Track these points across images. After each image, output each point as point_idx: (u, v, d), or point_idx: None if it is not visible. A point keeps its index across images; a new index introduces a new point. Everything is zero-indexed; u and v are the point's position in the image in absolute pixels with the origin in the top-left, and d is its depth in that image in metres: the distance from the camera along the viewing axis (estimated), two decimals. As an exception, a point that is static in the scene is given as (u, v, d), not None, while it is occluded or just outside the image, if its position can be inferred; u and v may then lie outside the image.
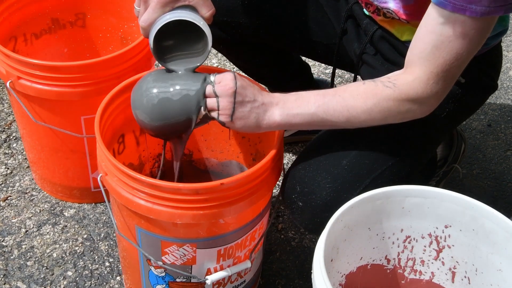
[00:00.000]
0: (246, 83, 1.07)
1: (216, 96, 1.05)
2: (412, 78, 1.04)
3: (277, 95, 1.09)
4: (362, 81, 1.09)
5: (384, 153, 1.15)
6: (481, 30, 0.97)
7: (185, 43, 1.13)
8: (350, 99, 1.06)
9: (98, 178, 1.14)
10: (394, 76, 1.07)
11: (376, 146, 1.14)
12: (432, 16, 0.99)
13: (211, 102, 1.06)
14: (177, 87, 1.08)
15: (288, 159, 1.78)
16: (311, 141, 1.20)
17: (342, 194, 1.09)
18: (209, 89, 1.06)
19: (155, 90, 1.08)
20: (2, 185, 1.66)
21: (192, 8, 1.11)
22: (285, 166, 1.33)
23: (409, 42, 1.24)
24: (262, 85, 1.41)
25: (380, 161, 1.13)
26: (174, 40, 1.13)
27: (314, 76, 1.79)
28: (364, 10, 1.29)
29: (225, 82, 1.06)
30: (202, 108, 1.07)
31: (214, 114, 1.06)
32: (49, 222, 1.57)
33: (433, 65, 1.02)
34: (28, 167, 1.71)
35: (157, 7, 1.09)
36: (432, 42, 1.00)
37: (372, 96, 1.06)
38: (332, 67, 1.49)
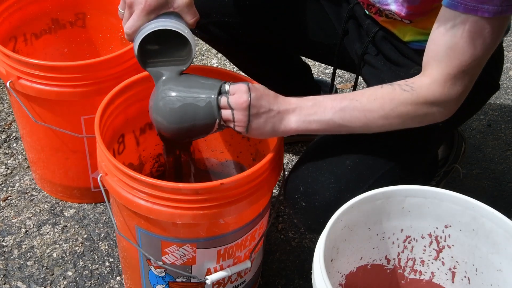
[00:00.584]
0: (260, 93, 1.07)
1: (231, 108, 1.06)
2: (430, 81, 1.03)
3: (294, 101, 1.08)
4: (380, 85, 1.08)
5: (387, 153, 1.15)
6: (494, 29, 0.97)
7: (170, 49, 1.14)
8: (367, 104, 1.05)
9: (98, 178, 1.14)
10: (412, 79, 1.06)
11: (379, 146, 1.14)
12: (444, 18, 0.99)
13: (226, 113, 1.07)
14: (194, 94, 1.08)
15: (288, 159, 1.78)
16: (313, 141, 1.20)
17: (346, 194, 1.09)
18: (223, 101, 1.06)
19: (173, 94, 1.08)
20: (2, 185, 1.66)
21: (177, 15, 1.11)
22: (285, 166, 1.33)
23: (411, 42, 1.24)
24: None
25: (383, 161, 1.13)
26: (159, 46, 1.13)
27: (314, 76, 1.79)
28: (366, 10, 1.29)
29: (239, 94, 1.05)
30: (218, 120, 1.07)
31: (230, 124, 1.07)
32: (49, 222, 1.57)
33: (449, 66, 1.01)
34: (28, 167, 1.71)
35: (142, 14, 1.09)
36: (446, 44, 1.00)
37: (389, 100, 1.05)
38: (332, 67, 1.49)
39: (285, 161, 1.75)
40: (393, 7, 1.17)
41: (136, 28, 1.09)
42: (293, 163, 1.75)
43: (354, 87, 1.44)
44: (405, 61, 1.25)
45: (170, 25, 1.08)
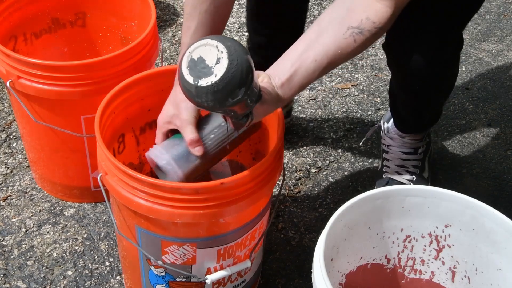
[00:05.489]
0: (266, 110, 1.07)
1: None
2: (391, 12, 1.07)
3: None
4: (353, 39, 1.07)
5: None
6: None
7: None
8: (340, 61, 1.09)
9: (98, 178, 1.14)
10: (378, 18, 1.07)
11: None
12: None
13: None
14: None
15: (288, 159, 1.78)
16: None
17: None
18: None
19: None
20: (2, 185, 1.66)
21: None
22: (285, 166, 1.33)
23: None
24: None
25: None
26: None
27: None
28: None
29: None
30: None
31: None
32: (49, 221, 1.57)
33: None
34: (28, 166, 1.71)
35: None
36: None
37: (363, 46, 1.09)
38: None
39: (285, 161, 1.75)
40: None
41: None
42: (293, 163, 1.75)
43: None
44: None
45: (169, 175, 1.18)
